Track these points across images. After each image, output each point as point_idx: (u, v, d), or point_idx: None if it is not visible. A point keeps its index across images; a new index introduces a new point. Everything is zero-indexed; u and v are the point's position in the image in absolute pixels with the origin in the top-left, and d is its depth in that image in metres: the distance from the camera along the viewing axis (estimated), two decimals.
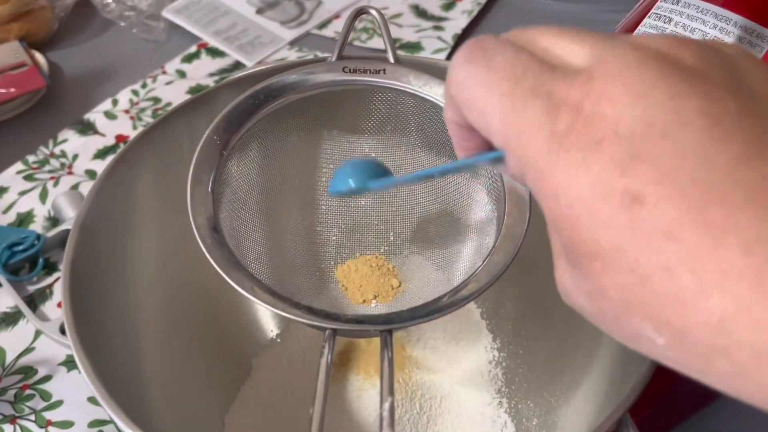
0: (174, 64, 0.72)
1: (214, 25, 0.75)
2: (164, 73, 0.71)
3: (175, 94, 0.68)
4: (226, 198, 0.35)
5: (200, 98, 0.38)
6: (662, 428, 0.45)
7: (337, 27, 0.75)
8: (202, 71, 0.71)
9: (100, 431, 0.46)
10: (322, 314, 0.30)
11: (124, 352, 0.35)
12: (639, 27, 0.36)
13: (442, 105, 0.37)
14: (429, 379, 0.43)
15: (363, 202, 0.41)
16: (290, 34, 0.74)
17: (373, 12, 0.38)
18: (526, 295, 0.44)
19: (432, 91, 0.37)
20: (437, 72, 0.37)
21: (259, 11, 0.76)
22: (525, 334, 0.43)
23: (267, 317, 0.45)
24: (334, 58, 0.38)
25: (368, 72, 0.38)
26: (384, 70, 0.38)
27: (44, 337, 0.51)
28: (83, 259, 0.31)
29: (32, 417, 0.46)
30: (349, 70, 0.38)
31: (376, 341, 0.45)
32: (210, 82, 0.69)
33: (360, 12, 0.39)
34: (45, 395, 0.48)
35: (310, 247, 0.40)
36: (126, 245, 0.36)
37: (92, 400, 0.47)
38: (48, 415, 0.47)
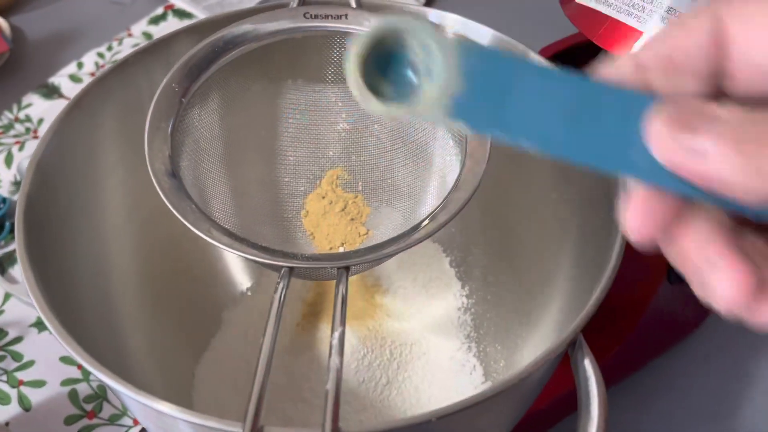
0: (140, 27, 0.71)
1: None
2: (130, 35, 0.70)
3: None
4: (188, 147, 0.35)
5: (156, 45, 0.37)
6: (627, 370, 0.46)
7: None
8: None
9: (73, 389, 0.46)
10: (278, 254, 0.30)
11: (94, 303, 0.35)
12: None
13: None
14: (399, 327, 0.44)
15: (331, 153, 0.41)
16: None
17: None
18: (494, 243, 0.44)
19: None
20: (401, 14, 0.37)
21: None
22: (493, 281, 0.44)
23: (237, 270, 0.45)
24: (295, 4, 0.38)
25: (330, 17, 0.37)
26: (346, 15, 0.37)
27: (14, 300, 0.51)
28: (41, 204, 0.31)
29: (4, 378, 0.46)
30: (311, 15, 0.37)
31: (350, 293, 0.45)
32: None
33: None
34: (16, 356, 0.47)
35: (276, 197, 0.40)
36: (88, 192, 0.36)
37: (64, 359, 0.47)
38: (20, 375, 0.47)
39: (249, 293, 0.45)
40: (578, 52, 0.40)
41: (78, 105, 0.34)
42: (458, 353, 0.43)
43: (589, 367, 0.25)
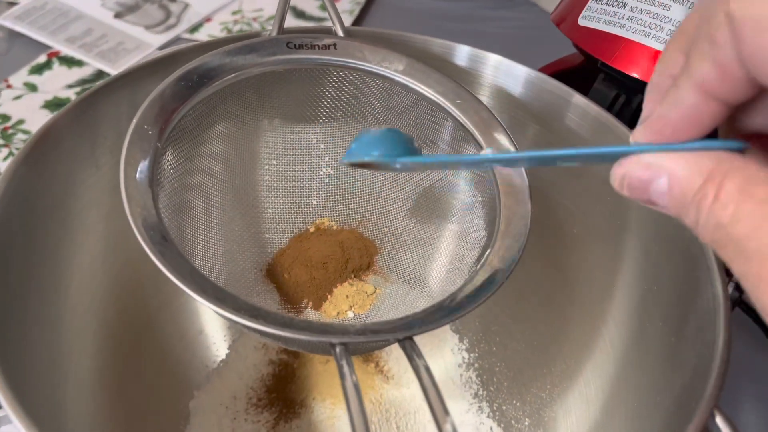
0: (20, 77, 0.61)
1: (65, 31, 0.65)
2: (9, 87, 0.60)
3: (29, 110, 0.58)
4: (162, 202, 0.29)
5: (121, 79, 0.31)
6: None
7: (210, 30, 0.68)
8: (58, 83, 0.61)
9: None
10: (320, 329, 0.24)
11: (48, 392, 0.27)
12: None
13: (413, 86, 0.32)
14: (399, 395, 0.38)
15: (315, 203, 0.36)
16: (158, 39, 0.66)
17: None
18: None
19: (393, 66, 0.33)
20: (395, 45, 0.33)
21: (118, 15, 0.68)
22: (497, 329, 0.40)
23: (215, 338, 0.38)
24: (274, 33, 0.33)
25: (316, 48, 0.33)
26: (335, 45, 0.33)
27: None
28: None
29: None
30: (294, 45, 0.32)
31: (332, 360, 0.40)
32: (70, 94, 0.60)
33: None
34: None
35: (260, 258, 0.34)
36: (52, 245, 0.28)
37: None
38: None
39: (222, 365, 0.38)
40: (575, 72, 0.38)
41: (32, 151, 0.27)
42: (468, 416, 0.38)
43: None
